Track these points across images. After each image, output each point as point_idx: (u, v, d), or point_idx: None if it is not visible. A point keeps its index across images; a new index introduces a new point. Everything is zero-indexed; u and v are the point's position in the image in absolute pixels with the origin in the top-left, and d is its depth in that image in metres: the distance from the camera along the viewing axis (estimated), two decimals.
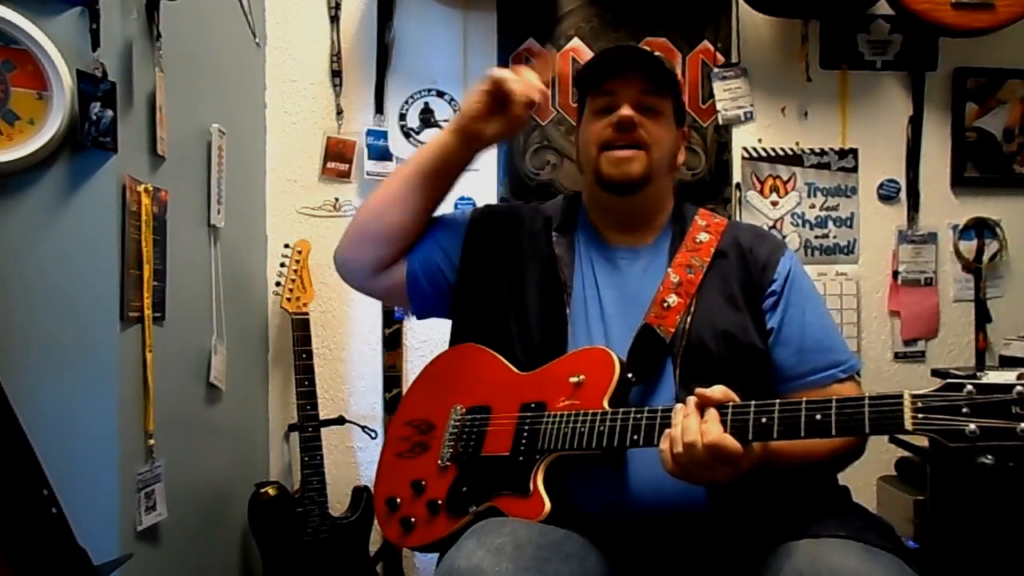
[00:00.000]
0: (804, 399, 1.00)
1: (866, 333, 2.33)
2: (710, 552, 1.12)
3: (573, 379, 1.18)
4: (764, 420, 0.99)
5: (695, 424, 1.00)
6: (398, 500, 1.27)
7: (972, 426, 0.88)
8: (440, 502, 1.20)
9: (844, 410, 0.96)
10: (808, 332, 1.23)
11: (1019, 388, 0.87)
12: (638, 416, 1.09)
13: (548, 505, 1.10)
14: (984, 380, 0.90)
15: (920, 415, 0.91)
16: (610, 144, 1.26)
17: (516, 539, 1.03)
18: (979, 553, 1.74)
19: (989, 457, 0.88)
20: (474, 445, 1.23)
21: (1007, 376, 0.88)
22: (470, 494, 1.18)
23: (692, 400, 1.03)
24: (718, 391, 1.03)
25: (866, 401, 0.95)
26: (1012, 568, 1.70)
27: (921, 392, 0.92)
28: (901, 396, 0.93)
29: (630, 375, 1.17)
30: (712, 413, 1.01)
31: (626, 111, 1.25)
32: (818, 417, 0.97)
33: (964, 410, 0.89)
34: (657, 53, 1.32)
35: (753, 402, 1.02)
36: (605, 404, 1.14)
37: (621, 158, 1.26)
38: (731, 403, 1.02)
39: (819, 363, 1.22)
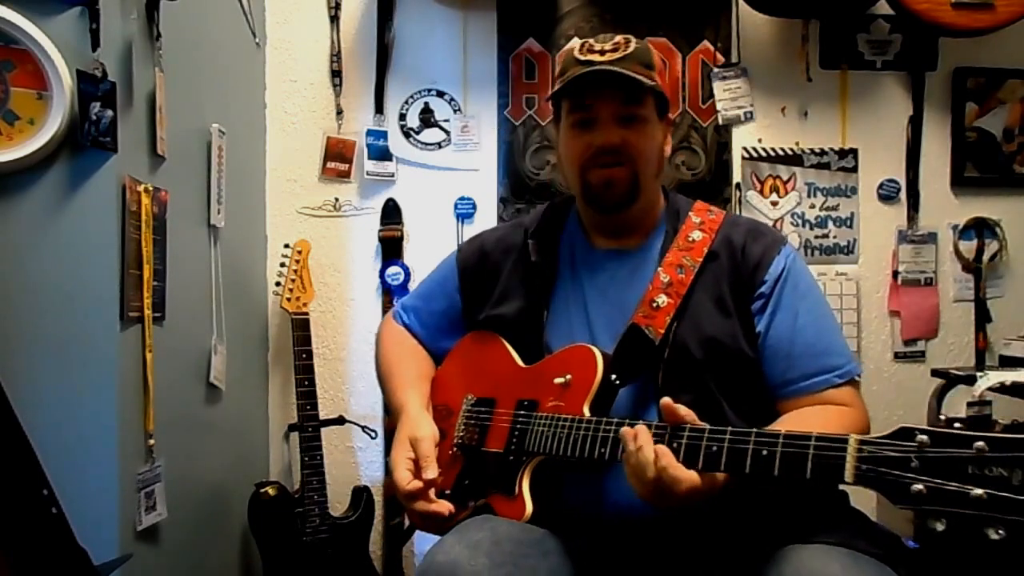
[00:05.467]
0: (754, 430, 0.94)
1: (866, 333, 2.33)
2: (694, 557, 1.12)
3: (559, 380, 1.18)
4: (714, 448, 0.95)
5: (645, 456, 0.97)
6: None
7: (919, 486, 0.75)
8: (447, 492, 1.22)
9: (789, 449, 0.89)
10: (799, 336, 1.17)
11: (979, 444, 0.73)
12: (607, 428, 1.07)
13: (530, 509, 1.11)
14: (942, 429, 0.76)
15: (864, 466, 0.80)
16: (593, 164, 1.23)
17: (495, 535, 1.05)
18: (979, 553, 1.74)
19: (943, 522, 0.74)
20: (478, 438, 1.24)
21: (972, 421, 0.75)
22: (470, 488, 1.20)
23: (641, 427, 1.00)
24: (681, 409, 0.99)
25: (812, 442, 0.87)
26: (1012, 568, 1.70)
27: (869, 438, 0.82)
28: (846, 441, 0.84)
29: (614, 377, 1.15)
30: (660, 448, 0.97)
31: (607, 137, 1.21)
32: (764, 453, 0.90)
33: (912, 464, 0.76)
34: (635, 45, 1.23)
35: (707, 427, 0.97)
36: (585, 410, 1.13)
37: (606, 178, 1.22)
38: (689, 426, 0.99)
39: (810, 368, 1.16)
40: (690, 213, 1.28)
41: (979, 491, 0.72)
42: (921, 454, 0.76)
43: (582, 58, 1.22)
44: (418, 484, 1.15)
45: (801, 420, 1.11)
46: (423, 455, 1.17)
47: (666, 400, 1.00)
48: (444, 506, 1.15)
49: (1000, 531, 0.71)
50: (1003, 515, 0.71)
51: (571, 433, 1.11)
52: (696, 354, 1.16)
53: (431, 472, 1.16)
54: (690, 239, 1.24)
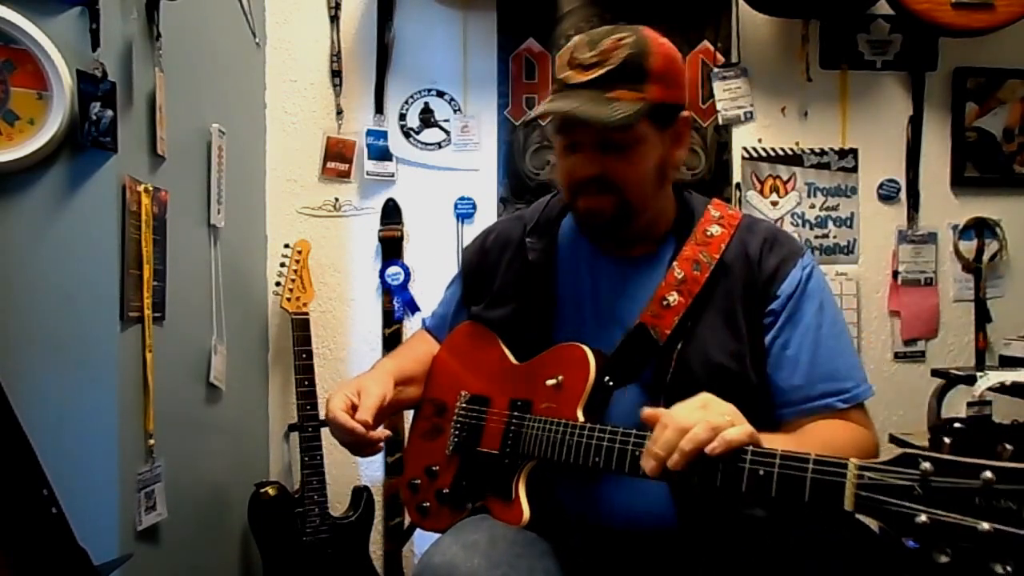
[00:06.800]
0: (751, 447, 0.89)
1: (866, 333, 2.33)
2: (690, 563, 1.10)
3: (551, 381, 1.14)
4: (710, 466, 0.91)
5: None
6: (418, 483, 1.29)
7: (923, 517, 0.71)
8: (446, 492, 1.22)
9: (787, 470, 0.84)
10: (806, 355, 1.12)
11: (987, 475, 0.69)
12: (600, 436, 1.04)
13: (528, 514, 1.10)
14: (947, 457, 0.72)
15: (864, 492, 0.76)
16: (578, 191, 1.16)
17: (491, 536, 1.05)
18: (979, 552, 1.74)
19: (947, 554, 0.70)
20: (473, 438, 1.23)
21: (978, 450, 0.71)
22: (468, 489, 1.20)
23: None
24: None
25: (811, 464, 0.82)
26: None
27: (869, 463, 0.77)
28: (846, 466, 0.79)
29: (607, 378, 1.12)
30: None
31: (585, 170, 1.13)
32: (761, 473, 0.86)
33: (916, 493, 0.72)
34: (624, 54, 1.10)
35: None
36: (579, 413, 1.10)
37: (591, 208, 1.15)
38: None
39: (815, 391, 1.11)
40: (708, 207, 1.23)
41: (986, 525, 0.68)
42: (925, 483, 0.72)
43: (560, 76, 1.12)
44: (353, 424, 1.16)
45: (800, 437, 1.07)
46: (364, 405, 1.18)
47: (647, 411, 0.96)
48: (377, 434, 1.17)
49: (1008, 567, 0.68)
50: (1011, 551, 0.68)
51: (565, 439, 1.08)
52: (700, 378, 1.10)
53: (363, 415, 1.16)
54: (708, 233, 1.18)
